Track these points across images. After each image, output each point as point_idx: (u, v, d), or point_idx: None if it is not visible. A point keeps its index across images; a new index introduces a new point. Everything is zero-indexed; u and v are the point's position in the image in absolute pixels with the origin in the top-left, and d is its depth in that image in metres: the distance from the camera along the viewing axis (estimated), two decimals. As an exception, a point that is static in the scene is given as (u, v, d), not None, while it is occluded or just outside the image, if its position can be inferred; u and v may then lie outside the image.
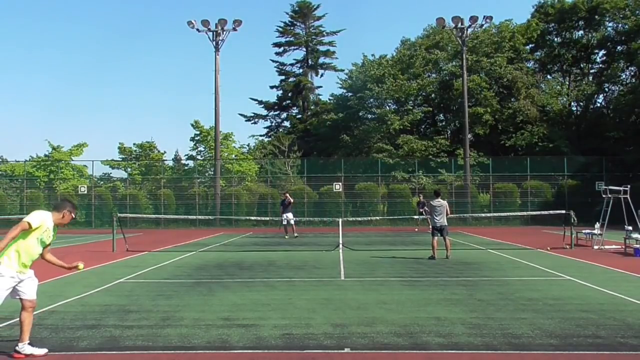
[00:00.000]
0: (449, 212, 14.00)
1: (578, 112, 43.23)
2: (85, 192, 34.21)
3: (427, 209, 25.80)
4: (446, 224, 13.82)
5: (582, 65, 44.05)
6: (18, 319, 5.62)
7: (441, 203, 13.86)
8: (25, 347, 5.50)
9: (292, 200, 23.02)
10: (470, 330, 6.31)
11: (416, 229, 26.48)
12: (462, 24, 32.31)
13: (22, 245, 5.38)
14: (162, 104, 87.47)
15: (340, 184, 33.08)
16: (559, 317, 6.92)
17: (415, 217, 25.74)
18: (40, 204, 33.29)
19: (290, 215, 22.15)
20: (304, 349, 5.61)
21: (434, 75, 43.92)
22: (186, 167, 41.91)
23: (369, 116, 43.82)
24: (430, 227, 14.34)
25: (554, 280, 10.19)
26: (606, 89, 42.90)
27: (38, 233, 5.40)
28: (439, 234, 13.80)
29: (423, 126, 44.98)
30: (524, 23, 43.23)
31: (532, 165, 33.47)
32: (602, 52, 42.83)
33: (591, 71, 44.01)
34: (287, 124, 53.90)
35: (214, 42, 33.03)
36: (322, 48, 53.50)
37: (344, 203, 33.01)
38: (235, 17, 33.11)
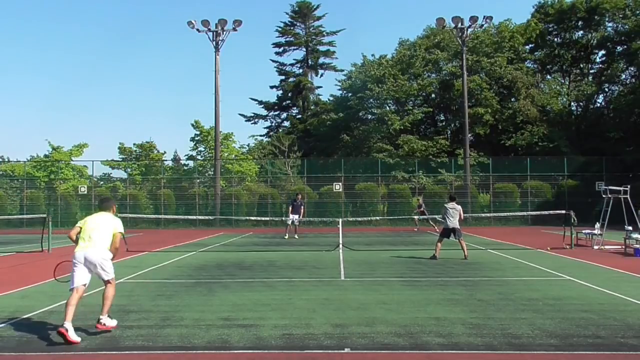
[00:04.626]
0: (462, 217, 14.24)
1: (578, 112, 43.23)
2: (85, 192, 34.21)
3: (424, 209, 26.23)
4: (458, 226, 14.03)
5: (581, 66, 44.08)
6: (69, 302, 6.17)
7: (455, 207, 14.15)
8: (105, 319, 6.37)
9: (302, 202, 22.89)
10: (470, 330, 6.31)
11: (416, 229, 26.49)
12: (462, 24, 32.32)
13: None
14: (162, 104, 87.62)
15: (340, 184, 33.08)
16: (559, 317, 6.92)
17: (415, 217, 25.79)
18: (40, 204, 33.33)
19: (296, 216, 22.10)
20: (304, 349, 5.61)
21: (434, 75, 43.93)
22: (186, 167, 41.90)
23: (369, 116, 43.83)
24: (442, 228, 14.44)
25: (554, 280, 10.19)
26: (606, 89, 42.93)
27: None
28: (450, 236, 13.99)
29: (423, 126, 44.99)
30: (524, 23, 43.27)
31: (532, 165, 33.46)
32: (602, 52, 42.87)
33: (591, 71, 44.04)
34: (287, 124, 53.95)
35: (214, 42, 33.04)
36: (322, 48, 53.59)
37: (344, 203, 33.00)
38: (235, 17, 33.20)
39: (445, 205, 14.34)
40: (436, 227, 26.58)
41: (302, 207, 22.68)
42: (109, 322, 6.37)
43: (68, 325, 5.91)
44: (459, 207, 14.29)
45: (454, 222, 13.90)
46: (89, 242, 6.43)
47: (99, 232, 6.51)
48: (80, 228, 6.60)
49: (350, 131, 42.84)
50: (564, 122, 41.32)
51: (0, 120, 77.24)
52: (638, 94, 36.78)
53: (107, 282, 6.53)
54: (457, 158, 36.01)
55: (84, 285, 6.37)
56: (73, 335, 5.88)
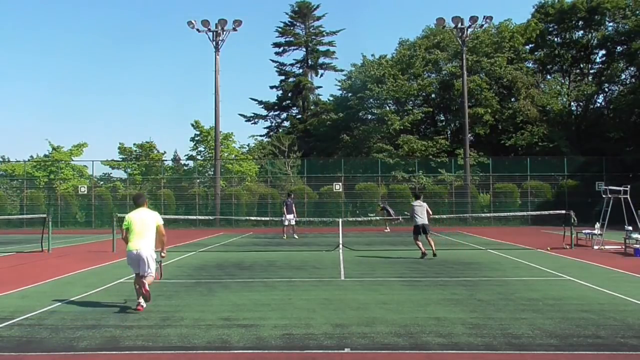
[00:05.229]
0: (430, 213, 14.37)
1: (578, 112, 43.23)
2: (85, 192, 34.20)
3: (389, 209, 26.37)
4: (427, 222, 14.17)
5: (582, 65, 44.05)
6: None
7: (421, 204, 14.30)
8: (142, 301, 7.60)
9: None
10: (470, 330, 6.32)
11: (387, 229, 26.62)
12: (462, 24, 32.31)
13: None
14: (162, 104, 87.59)
15: (340, 184, 33.08)
16: (559, 317, 6.92)
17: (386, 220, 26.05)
18: (40, 204, 33.32)
19: (291, 216, 22.08)
20: (304, 349, 5.61)
21: (434, 75, 43.93)
22: (186, 167, 41.88)
23: (369, 116, 43.83)
24: (413, 226, 14.47)
25: (554, 280, 10.20)
26: (606, 89, 42.90)
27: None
28: (421, 234, 14.06)
29: (423, 126, 44.97)
30: (524, 23, 43.26)
31: (532, 165, 33.47)
32: (602, 52, 42.85)
33: (591, 71, 44.01)
34: (287, 124, 53.93)
35: (214, 42, 33.03)
36: (321, 48, 53.55)
37: (344, 203, 33.00)
38: (235, 17, 33.14)
39: (412, 203, 14.47)
40: (387, 228, 26.80)
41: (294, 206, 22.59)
42: (144, 303, 7.61)
43: (141, 300, 7.53)
44: (425, 204, 14.41)
45: (422, 219, 14.02)
46: (140, 240, 7.68)
47: (147, 228, 7.77)
48: (127, 228, 7.78)
49: (350, 131, 42.84)
50: (564, 122, 41.32)
51: (0, 120, 77.31)
52: (638, 94, 36.77)
53: (144, 276, 7.63)
54: (457, 158, 36.00)
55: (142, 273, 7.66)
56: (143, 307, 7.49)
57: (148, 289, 7.49)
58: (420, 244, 13.99)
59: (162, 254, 8.07)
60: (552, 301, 8.00)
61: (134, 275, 7.81)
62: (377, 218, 26.11)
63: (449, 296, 8.50)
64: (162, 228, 7.94)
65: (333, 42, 53.33)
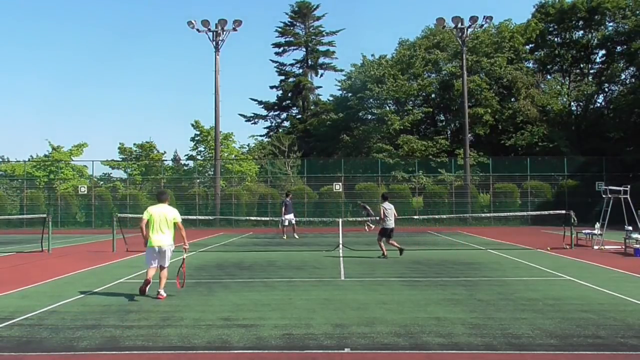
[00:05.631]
0: (396, 215, 14.58)
1: (578, 112, 43.24)
2: (85, 192, 34.18)
3: (370, 210, 26.28)
4: (394, 226, 14.40)
5: (582, 65, 44.07)
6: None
7: (391, 206, 14.42)
8: (162, 291, 8.51)
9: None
10: (470, 330, 6.31)
11: (367, 229, 26.54)
12: (462, 24, 32.28)
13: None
14: (162, 104, 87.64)
15: (340, 184, 33.06)
16: (559, 317, 6.92)
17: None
18: (40, 204, 33.30)
19: (291, 216, 22.08)
20: (304, 349, 5.61)
21: (434, 75, 43.94)
22: (186, 167, 41.85)
23: (369, 116, 43.84)
24: (381, 228, 14.60)
25: (554, 280, 10.19)
26: (606, 89, 42.91)
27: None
28: (387, 236, 14.23)
29: (423, 126, 45.01)
30: (524, 23, 43.28)
31: (532, 165, 33.44)
32: (602, 52, 42.87)
33: (591, 71, 44.02)
34: (287, 124, 53.97)
35: (214, 42, 33.02)
36: (321, 48, 53.62)
37: (344, 203, 32.98)
38: (235, 17, 33.16)
39: (383, 205, 14.44)
40: (375, 227, 26.67)
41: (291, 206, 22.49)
42: (164, 293, 8.47)
43: (145, 287, 8.48)
44: (393, 206, 14.51)
45: (392, 222, 14.18)
46: (160, 234, 8.52)
47: (166, 223, 8.53)
48: (147, 220, 8.53)
49: (350, 131, 42.84)
50: (564, 122, 41.33)
51: (0, 120, 77.27)
52: (638, 94, 36.78)
53: (163, 267, 8.62)
54: (457, 158, 35.99)
55: (156, 266, 8.59)
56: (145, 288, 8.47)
57: (164, 295, 8.48)
58: (382, 245, 14.22)
59: (184, 247, 8.80)
60: (552, 301, 8.00)
61: (148, 268, 8.66)
62: (365, 219, 25.93)
63: (449, 296, 8.50)
64: (180, 225, 8.62)
65: (333, 42, 53.47)
